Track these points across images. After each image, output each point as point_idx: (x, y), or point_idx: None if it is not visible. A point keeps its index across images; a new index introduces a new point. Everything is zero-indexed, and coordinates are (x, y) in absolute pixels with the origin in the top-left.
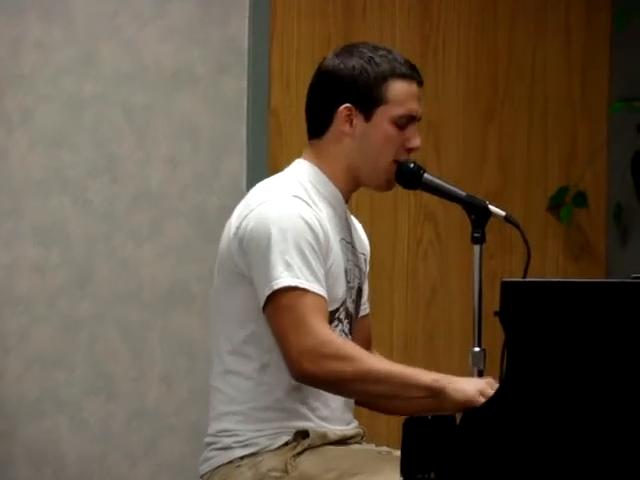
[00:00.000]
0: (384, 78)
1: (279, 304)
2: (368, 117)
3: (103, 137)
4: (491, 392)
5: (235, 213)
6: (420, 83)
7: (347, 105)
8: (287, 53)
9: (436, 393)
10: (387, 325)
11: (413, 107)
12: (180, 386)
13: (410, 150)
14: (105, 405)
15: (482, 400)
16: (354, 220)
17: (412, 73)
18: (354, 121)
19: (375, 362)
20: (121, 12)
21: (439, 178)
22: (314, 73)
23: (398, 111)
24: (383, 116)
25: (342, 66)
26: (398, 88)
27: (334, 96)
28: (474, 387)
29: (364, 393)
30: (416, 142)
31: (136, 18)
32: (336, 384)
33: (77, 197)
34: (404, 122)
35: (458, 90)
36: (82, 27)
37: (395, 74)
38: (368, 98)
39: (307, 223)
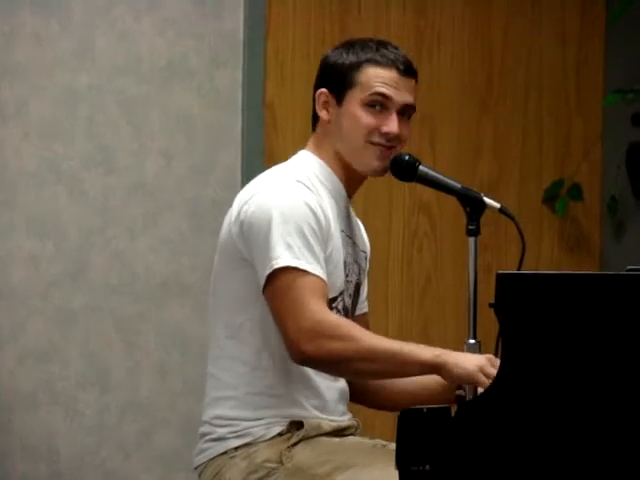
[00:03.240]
0: (359, 64)
1: (279, 284)
2: (340, 101)
3: (98, 129)
4: (491, 369)
5: (237, 199)
6: (403, 72)
7: (322, 90)
8: (282, 46)
9: (437, 368)
10: (382, 317)
11: (383, 90)
12: (174, 378)
13: (385, 135)
14: (99, 397)
15: (482, 377)
16: (357, 219)
17: (392, 61)
18: (330, 107)
19: (374, 340)
20: (117, 4)
21: (434, 170)
22: None
23: (365, 93)
24: (352, 99)
25: (328, 56)
26: (371, 73)
27: (317, 84)
28: (474, 363)
29: (365, 372)
30: (389, 127)
31: (131, 10)
32: (336, 364)
33: (72, 189)
34: (374, 103)
35: (453, 83)
36: (78, 19)
37: (370, 60)
38: (340, 82)
39: (309, 207)
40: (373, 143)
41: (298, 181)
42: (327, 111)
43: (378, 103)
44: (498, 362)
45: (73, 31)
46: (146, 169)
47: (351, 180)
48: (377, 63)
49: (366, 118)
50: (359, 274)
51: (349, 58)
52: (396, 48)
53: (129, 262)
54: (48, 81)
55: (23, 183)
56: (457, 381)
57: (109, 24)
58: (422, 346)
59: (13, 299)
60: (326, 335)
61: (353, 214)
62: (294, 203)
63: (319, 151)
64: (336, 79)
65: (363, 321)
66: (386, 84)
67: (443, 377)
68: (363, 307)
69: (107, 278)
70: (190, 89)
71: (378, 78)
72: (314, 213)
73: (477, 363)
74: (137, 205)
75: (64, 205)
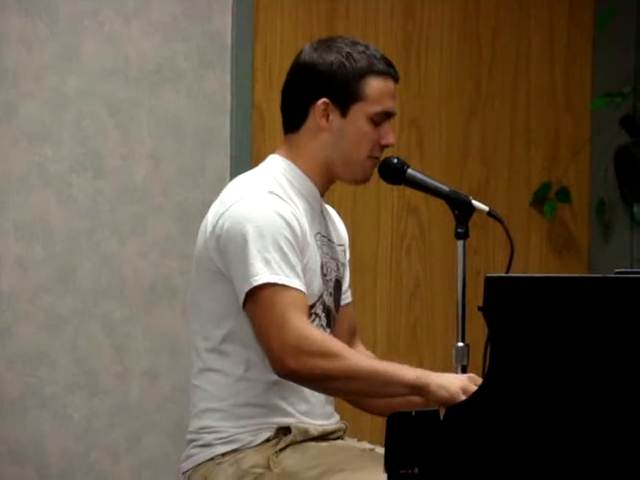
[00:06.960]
0: (362, 74)
1: (259, 301)
2: (344, 113)
3: (86, 133)
4: (474, 389)
5: (211, 211)
6: (396, 80)
7: (324, 100)
8: (270, 48)
9: (419, 390)
10: (370, 320)
11: (389, 105)
12: (163, 382)
13: (384, 147)
14: (88, 401)
15: (464, 398)
16: (330, 211)
17: (389, 70)
18: (330, 116)
19: (358, 359)
20: (104, 8)
21: (422, 173)
22: (291, 66)
23: (374, 109)
24: (359, 112)
25: (320, 60)
26: (375, 85)
27: (311, 90)
28: (457, 384)
29: (347, 390)
30: (390, 139)
31: (119, 13)
32: (319, 381)
33: (60, 193)
34: (379, 119)
35: (441, 86)
36: (65, 22)
37: (372, 71)
38: (345, 94)
39: (284, 219)
40: (371, 157)
41: (271, 192)
42: (326, 119)
43: (382, 118)
44: (480, 380)
45: (61, 35)
46: (135, 172)
47: (326, 183)
48: (378, 73)
49: (372, 133)
50: (338, 269)
51: (351, 67)
52: (375, 49)
53: (118, 266)
54: (36, 85)
55: (11, 187)
56: (440, 402)
57: (97, 27)
58: (406, 367)
59: (1, 303)
60: (310, 351)
61: (326, 209)
62: (269, 216)
63: (297, 154)
64: (340, 89)
65: (347, 311)
66: (389, 97)
67: (425, 400)
68: (346, 297)
69: (96, 282)
70: (178, 92)
71: (383, 92)
72: (289, 225)
73: (460, 384)
74: (126, 208)
75: (52, 209)
